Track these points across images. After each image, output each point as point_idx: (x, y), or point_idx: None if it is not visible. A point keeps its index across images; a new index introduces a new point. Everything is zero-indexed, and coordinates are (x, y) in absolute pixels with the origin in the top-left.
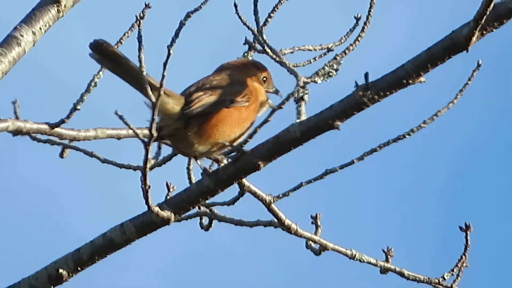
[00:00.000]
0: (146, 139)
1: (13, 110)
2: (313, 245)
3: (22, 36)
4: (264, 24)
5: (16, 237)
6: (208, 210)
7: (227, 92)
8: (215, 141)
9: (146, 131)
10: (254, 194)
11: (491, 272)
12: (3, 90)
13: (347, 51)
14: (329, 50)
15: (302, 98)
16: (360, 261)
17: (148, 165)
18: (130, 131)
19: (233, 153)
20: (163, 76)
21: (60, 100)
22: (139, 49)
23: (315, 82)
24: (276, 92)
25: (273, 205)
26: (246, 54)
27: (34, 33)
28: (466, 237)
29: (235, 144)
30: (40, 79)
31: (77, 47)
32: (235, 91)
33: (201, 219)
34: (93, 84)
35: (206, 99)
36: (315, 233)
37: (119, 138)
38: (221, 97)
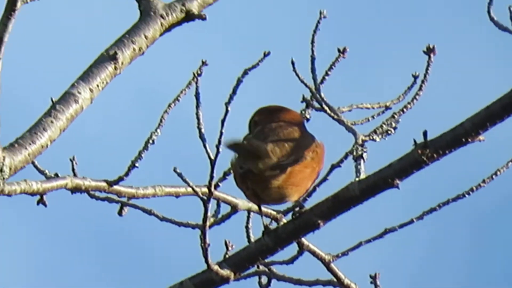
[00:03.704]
0: (205, 197)
1: (70, 168)
2: None
3: (79, 93)
4: (322, 81)
5: None
6: (266, 269)
7: (302, 146)
8: (294, 193)
9: (205, 189)
10: (313, 253)
11: None
12: (61, 147)
13: (405, 109)
14: (387, 108)
15: (361, 156)
16: None
17: (208, 223)
18: (189, 189)
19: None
20: (221, 133)
21: None
22: (197, 106)
23: (373, 140)
24: None
25: (332, 264)
26: (303, 111)
27: (91, 90)
28: None
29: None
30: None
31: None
32: (306, 146)
33: (259, 277)
34: (150, 141)
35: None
36: None
37: (177, 195)
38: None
